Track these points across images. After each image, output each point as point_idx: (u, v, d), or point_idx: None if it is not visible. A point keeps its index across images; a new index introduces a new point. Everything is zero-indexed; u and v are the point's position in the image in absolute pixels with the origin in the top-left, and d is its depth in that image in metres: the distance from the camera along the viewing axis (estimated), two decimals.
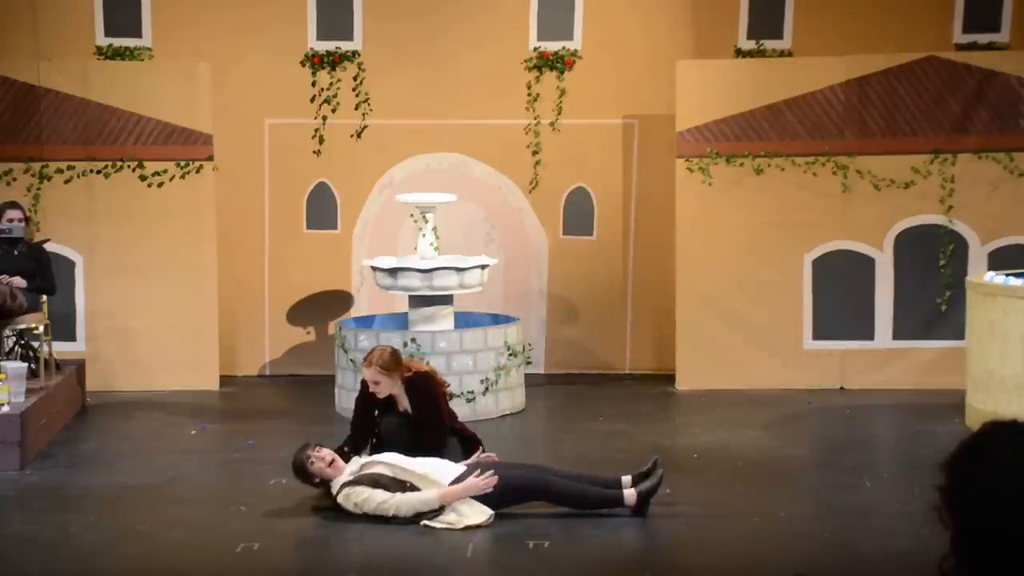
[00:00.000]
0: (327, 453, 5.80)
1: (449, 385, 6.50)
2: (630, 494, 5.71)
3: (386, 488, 5.64)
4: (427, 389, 6.12)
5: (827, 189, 8.84)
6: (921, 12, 9.21)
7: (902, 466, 6.92)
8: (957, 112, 8.79)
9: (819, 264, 8.91)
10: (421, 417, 6.11)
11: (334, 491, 5.74)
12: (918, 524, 5.57)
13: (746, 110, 8.86)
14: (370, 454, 6.06)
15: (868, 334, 8.89)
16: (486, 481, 5.61)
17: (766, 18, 9.31)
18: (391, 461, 5.78)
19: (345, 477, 5.75)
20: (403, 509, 5.58)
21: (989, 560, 1.89)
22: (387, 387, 6.07)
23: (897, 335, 8.87)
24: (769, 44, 9.30)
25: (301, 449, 5.84)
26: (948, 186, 8.79)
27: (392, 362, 6.06)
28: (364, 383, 6.19)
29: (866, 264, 8.90)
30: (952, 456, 1.97)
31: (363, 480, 5.68)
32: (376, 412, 6.18)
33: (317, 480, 5.78)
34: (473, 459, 5.96)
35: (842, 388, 8.84)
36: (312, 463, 5.75)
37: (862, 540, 5.40)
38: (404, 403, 6.13)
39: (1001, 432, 1.97)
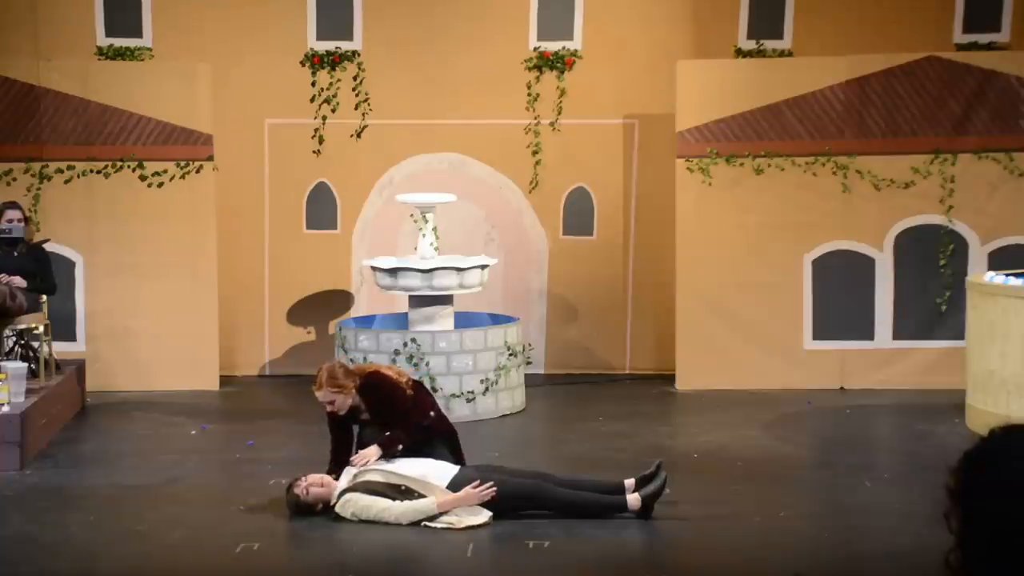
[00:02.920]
0: (314, 478, 5.75)
1: (408, 377, 6.16)
2: (633, 499, 5.70)
3: (382, 495, 5.63)
4: (376, 387, 5.93)
5: (827, 189, 8.84)
6: (921, 12, 9.21)
7: (902, 466, 6.92)
8: (957, 112, 8.79)
9: (819, 264, 8.90)
10: (383, 414, 5.93)
11: (332, 501, 5.73)
12: (918, 524, 5.57)
13: (746, 110, 8.85)
14: None
15: (868, 334, 8.89)
16: (483, 492, 5.60)
17: (766, 18, 9.31)
18: (383, 467, 5.76)
19: (341, 487, 5.74)
20: (403, 518, 5.57)
21: (997, 560, 1.89)
22: (343, 403, 5.88)
23: (897, 335, 8.87)
24: (769, 44, 9.30)
25: (288, 491, 5.77)
26: (948, 186, 8.79)
27: (342, 377, 5.87)
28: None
29: (866, 264, 8.90)
30: (964, 457, 1.98)
31: (358, 488, 5.67)
32: (355, 428, 6.10)
33: (319, 506, 5.76)
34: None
35: (842, 388, 8.83)
36: (306, 494, 5.70)
37: (862, 540, 5.40)
38: (365, 411, 6.03)
39: (1015, 434, 1.98)
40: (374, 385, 5.95)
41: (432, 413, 6.05)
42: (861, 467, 6.67)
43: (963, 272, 8.62)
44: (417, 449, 5.94)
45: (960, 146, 8.78)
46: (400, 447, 5.85)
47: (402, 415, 5.92)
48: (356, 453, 6.00)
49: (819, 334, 8.88)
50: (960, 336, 8.22)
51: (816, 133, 8.84)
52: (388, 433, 5.87)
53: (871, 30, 9.16)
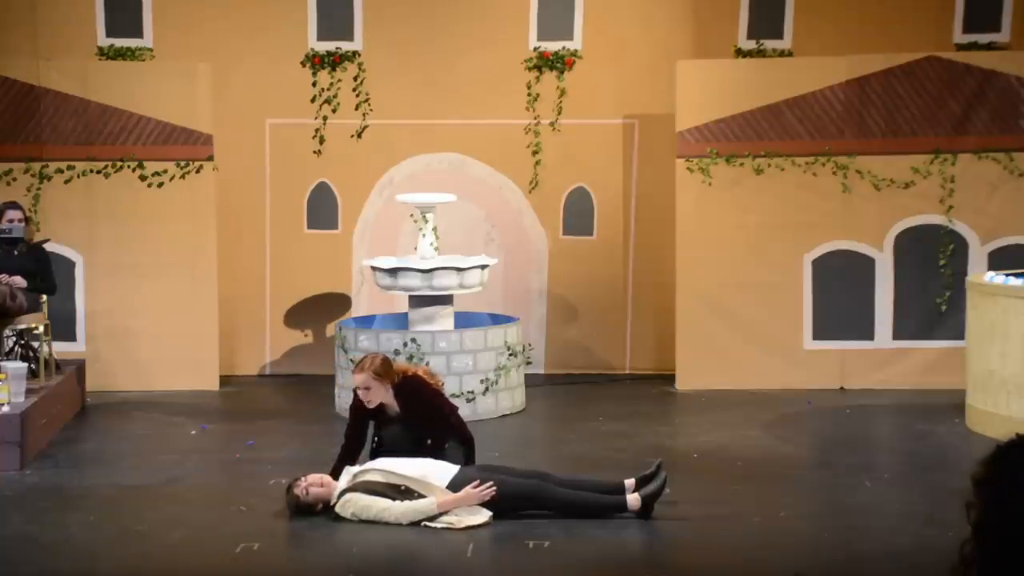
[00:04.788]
0: (314, 478, 5.77)
1: (443, 383, 6.42)
2: (633, 499, 5.70)
3: (382, 495, 5.63)
4: (418, 390, 6.05)
5: (827, 189, 8.84)
6: (921, 12, 9.21)
7: (902, 466, 6.93)
8: (957, 112, 8.79)
9: (819, 264, 8.91)
10: (417, 414, 6.05)
11: (332, 501, 5.73)
12: (918, 524, 5.58)
13: (746, 110, 8.86)
14: (371, 457, 6.05)
15: (868, 334, 8.89)
16: (483, 492, 5.60)
17: (766, 18, 9.31)
18: (383, 467, 5.77)
19: (341, 487, 5.74)
20: (403, 518, 5.58)
21: (1014, 556, 1.89)
22: (377, 394, 5.99)
23: (897, 335, 8.87)
24: (769, 44, 9.31)
25: (288, 491, 5.79)
26: (948, 186, 8.80)
27: (383, 369, 5.99)
28: (356, 391, 6.16)
29: (866, 264, 8.90)
30: (996, 450, 1.98)
31: (358, 488, 5.68)
32: (374, 423, 6.14)
33: (320, 506, 5.77)
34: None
35: (842, 388, 8.84)
36: (306, 494, 5.71)
37: (862, 540, 5.40)
38: (395, 408, 6.07)
39: None
40: (415, 387, 6.05)
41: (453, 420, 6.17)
42: (861, 467, 6.67)
43: (963, 272, 8.62)
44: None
45: (960, 146, 8.78)
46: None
47: (444, 419, 6.06)
48: (371, 450, 6.06)
49: (819, 334, 8.89)
50: (960, 336, 8.22)
51: (816, 133, 8.84)
52: (430, 441, 6.00)
53: (871, 30, 9.17)
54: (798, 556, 5.28)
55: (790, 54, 9.26)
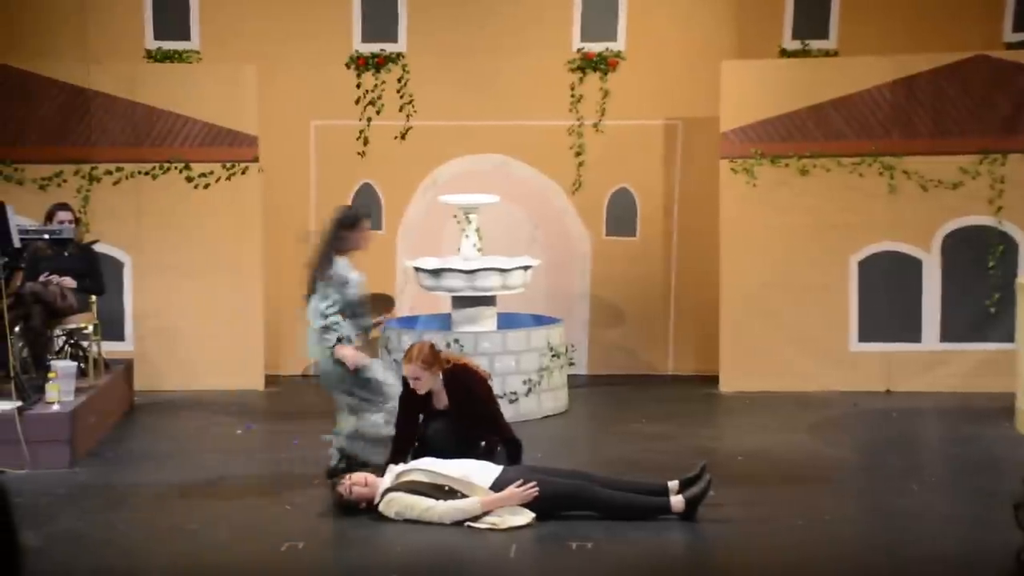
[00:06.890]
0: (358, 477, 5.81)
1: (491, 377, 6.44)
2: (677, 501, 5.68)
3: (425, 495, 5.65)
4: (466, 382, 6.10)
5: (873, 190, 8.77)
6: (970, 10, 9.12)
7: (949, 470, 6.86)
8: (1006, 112, 8.69)
9: (865, 265, 8.84)
10: (465, 411, 6.09)
11: (376, 500, 5.77)
12: (965, 528, 5.51)
13: (791, 110, 8.81)
14: (414, 456, 6.08)
15: (915, 336, 8.81)
16: (527, 492, 5.61)
17: (811, 18, 9.25)
18: (426, 467, 5.79)
19: (384, 486, 5.77)
20: (446, 518, 5.59)
21: None
22: (427, 383, 6.06)
23: (945, 337, 8.78)
24: (814, 44, 9.25)
25: (332, 490, 5.85)
26: (997, 187, 8.70)
27: (431, 357, 6.07)
28: (405, 380, 6.20)
29: (913, 265, 8.82)
30: None
31: (402, 488, 5.70)
32: (421, 418, 6.17)
33: (364, 504, 5.80)
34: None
35: (888, 391, 8.76)
36: (350, 493, 5.76)
37: (908, 544, 5.36)
38: (443, 400, 6.12)
39: None
40: (466, 380, 6.10)
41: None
42: (907, 470, 6.61)
43: (1013, 274, 8.52)
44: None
45: (1010, 146, 8.68)
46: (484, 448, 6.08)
47: (493, 420, 6.10)
48: (417, 445, 6.09)
49: (865, 336, 8.81)
50: (1010, 338, 8.13)
51: (862, 133, 8.77)
52: (484, 443, 6.05)
53: (918, 29, 9.08)
54: (842, 559, 5.24)
55: (836, 54, 9.19)
